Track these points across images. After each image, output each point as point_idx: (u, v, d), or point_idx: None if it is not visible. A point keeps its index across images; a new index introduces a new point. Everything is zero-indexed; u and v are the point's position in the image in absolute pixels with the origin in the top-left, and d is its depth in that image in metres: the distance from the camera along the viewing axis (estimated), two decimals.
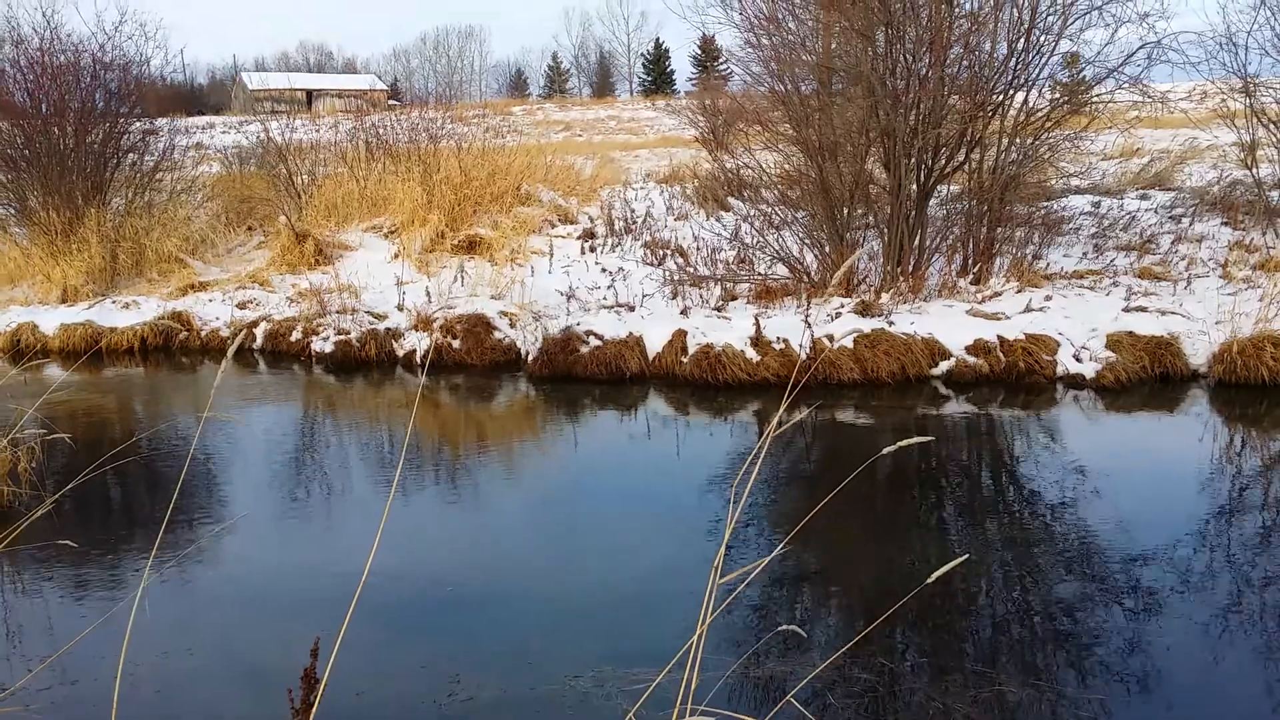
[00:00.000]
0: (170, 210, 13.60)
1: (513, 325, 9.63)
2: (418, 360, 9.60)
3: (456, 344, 9.55)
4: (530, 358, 9.13)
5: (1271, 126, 11.39)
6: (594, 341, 8.97)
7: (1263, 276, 9.75)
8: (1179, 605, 4.54)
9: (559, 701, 3.85)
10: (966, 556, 2.05)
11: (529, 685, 3.99)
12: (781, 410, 2.27)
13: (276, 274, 12.11)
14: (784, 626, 2.52)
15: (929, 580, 2.07)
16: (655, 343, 8.92)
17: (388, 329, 9.92)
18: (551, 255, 11.78)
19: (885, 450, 2.26)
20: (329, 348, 9.90)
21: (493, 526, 5.96)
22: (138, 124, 13.69)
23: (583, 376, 8.83)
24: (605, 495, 6.46)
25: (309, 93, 56.49)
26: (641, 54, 68.90)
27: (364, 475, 6.94)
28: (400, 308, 10.21)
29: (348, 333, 9.92)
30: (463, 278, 10.76)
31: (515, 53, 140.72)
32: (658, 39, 65.60)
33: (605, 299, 10.19)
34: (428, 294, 10.26)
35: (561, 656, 4.20)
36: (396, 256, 12.13)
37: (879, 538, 5.55)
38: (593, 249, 12.51)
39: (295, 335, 10.25)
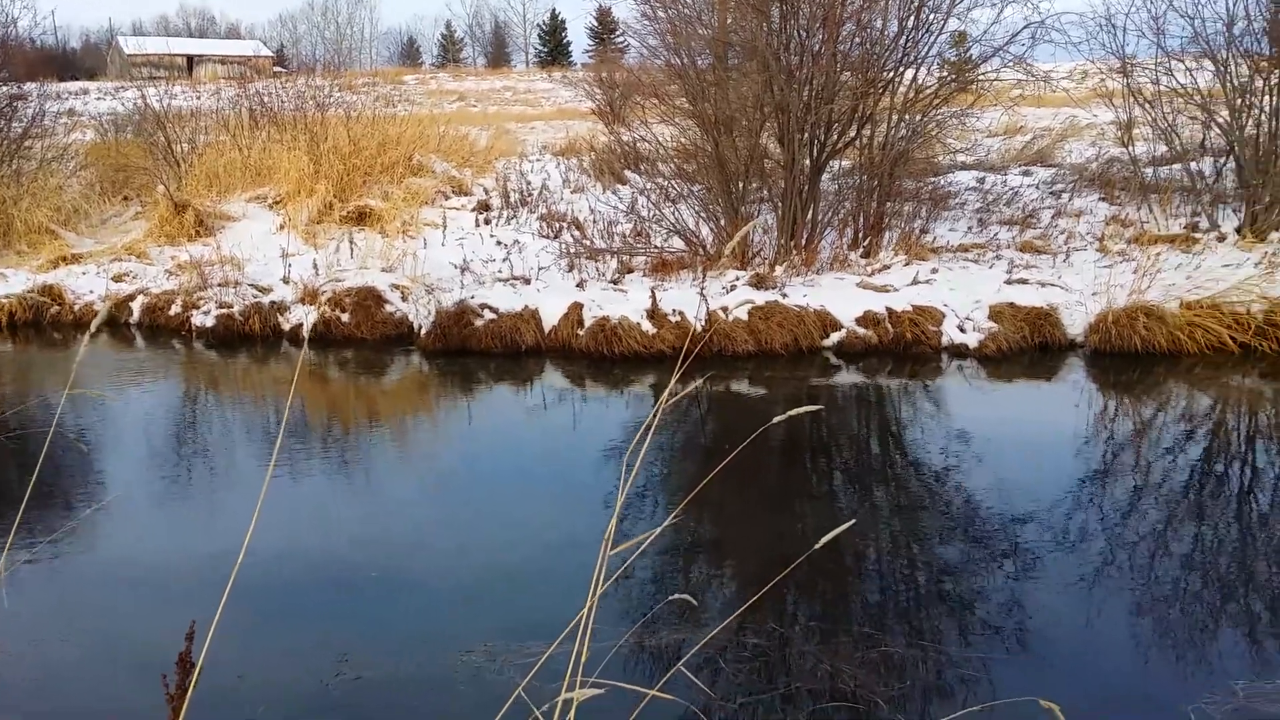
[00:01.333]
0: (40, 179, 12.89)
1: (405, 298, 9.43)
2: (304, 334, 9.33)
3: (345, 318, 9.31)
4: (423, 331, 8.96)
5: (1147, 106, 11.83)
6: (489, 315, 8.85)
7: (1136, 250, 10.15)
8: (1055, 565, 4.71)
9: (451, 678, 3.79)
10: (851, 523, 2.06)
11: (420, 663, 3.92)
12: (673, 382, 2.24)
13: (154, 246, 11.61)
14: (676, 595, 2.51)
15: (815, 547, 2.07)
16: (551, 316, 8.85)
17: (273, 302, 9.61)
18: (445, 227, 11.57)
19: (775, 419, 2.25)
20: (210, 322, 9.54)
21: (384, 504, 5.83)
22: (3, 89, 12.94)
23: (477, 350, 8.70)
24: (500, 470, 6.38)
25: (190, 58, 54.24)
26: (537, 24, 68.07)
27: (246, 454, 6.72)
28: (286, 280, 9.90)
29: (230, 306, 9.58)
30: (352, 250, 10.49)
31: (407, 20, 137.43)
32: (554, 10, 65.07)
33: (501, 272, 10.05)
34: (315, 266, 9.96)
35: (455, 633, 4.14)
36: (282, 228, 11.75)
37: (772, 506, 5.62)
38: (488, 221, 12.33)
39: (174, 309, 9.85)
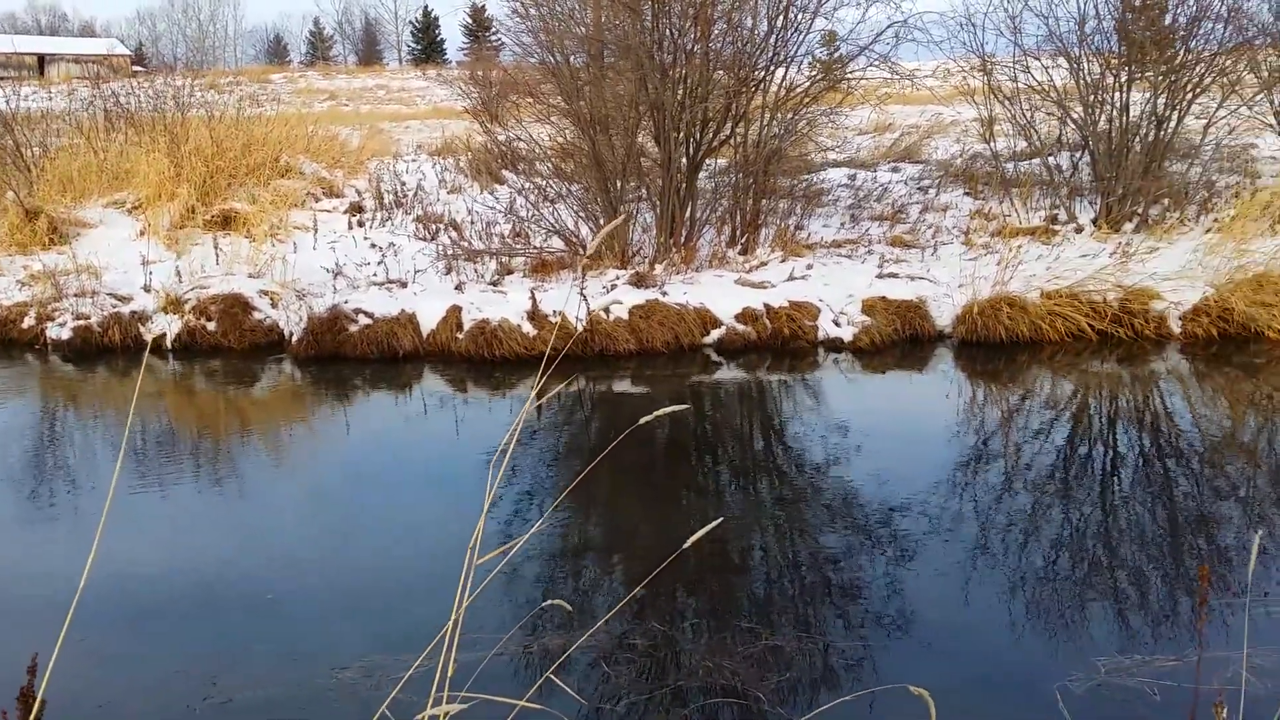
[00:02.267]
0: None
1: (274, 305, 9.12)
2: (168, 345, 8.93)
3: (211, 326, 8.95)
4: (294, 339, 8.68)
5: (1006, 103, 12.28)
6: (363, 320, 8.63)
7: (999, 243, 10.53)
8: (932, 550, 4.83)
9: (324, 696, 3.66)
10: (719, 521, 2.04)
11: (292, 682, 3.78)
12: (536, 387, 2.19)
13: (5, 255, 10.95)
14: (551, 602, 2.46)
15: (683, 547, 2.06)
16: (429, 320, 8.67)
17: (133, 312, 9.17)
18: (316, 230, 11.23)
19: (641, 421, 2.24)
20: (66, 334, 9.05)
21: (255, 518, 5.62)
22: None
23: (352, 357, 8.47)
24: (376, 478, 6.22)
25: (40, 57, 51.55)
26: (410, 21, 66.74)
27: (107, 472, 6.38)
28: (147, 289, 9.46)
29: (88, 317, 9.10)
30: (218, 255, 10.09)
31: (273, 17, 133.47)
32: (426, 6, 63.73)
33: (375, 275, 9.81)
34: (178, 273, 9.54)
35: (328, 649, 3.99)
36: (142, 234, 11.23)
37: (654, 505, 5.62)
38: (361, 223, 12.02)
39: (27, 322, 9.31)
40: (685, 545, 2.11)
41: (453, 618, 1.84)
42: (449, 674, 1.86)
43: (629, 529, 5.31)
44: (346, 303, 8.78)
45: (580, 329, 8.40)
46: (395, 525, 5.34)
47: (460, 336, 8.51)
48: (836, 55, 11.67)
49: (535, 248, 10.32)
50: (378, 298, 8.96)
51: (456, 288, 9.36)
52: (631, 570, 4.74)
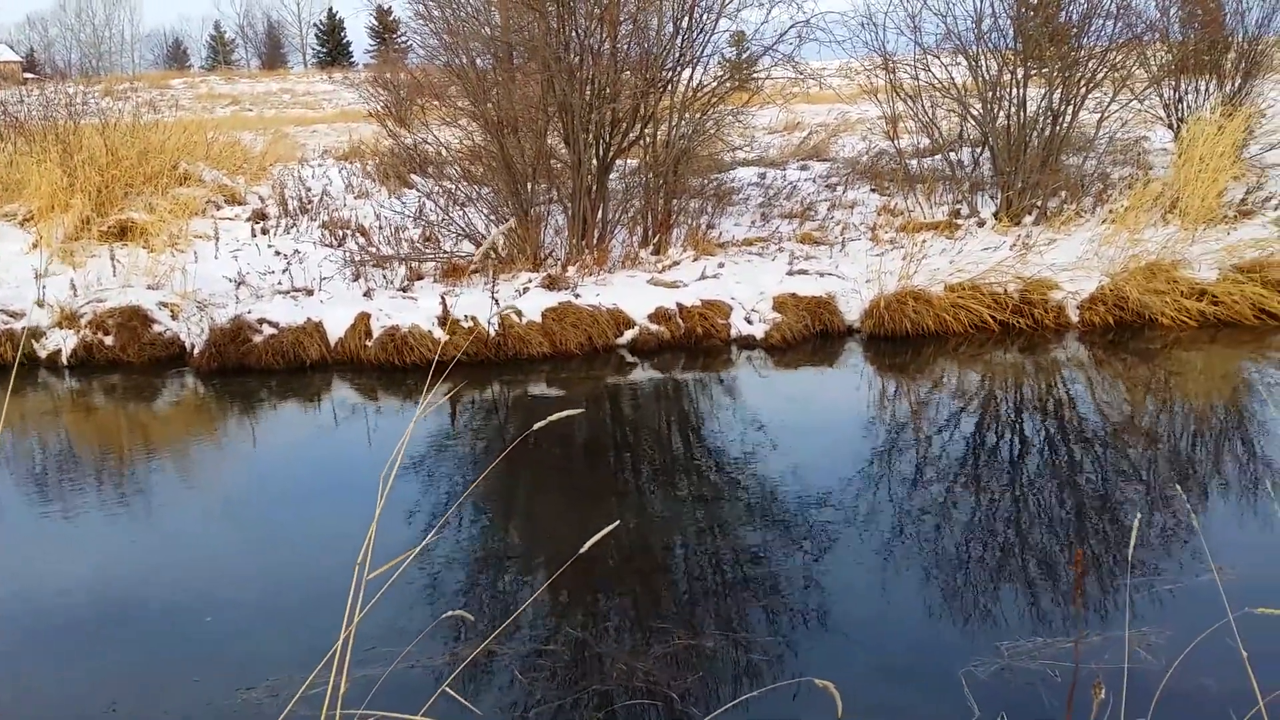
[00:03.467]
0: None
1: (175, 317, 8.86)
2: (64, 361, 8.61)
3: (109, 341, 8.66)
4: (196, 351, 8.44)
5: (908, 100, 12.53)
6: (268, 330, 8.43)
7: (905, 238, 10.74)
8: (847, 542, 4.91)
9: (228, 717, 3.56)
10: (616, 524, 2.04)
11: (196, 703, 3.66)
12: (424, 399, 2.15)
13: None
14: (451, 612, 2.43)
15: (579, 553, 2.05)
16: (337, 328, 8.51)
17: (26, 328, 8.82)
18: (217, 239, 10.94)
19: (535, 427, 2.22)
20: None
21: (157, 536, 5.44)
22: None
23: (258, 368, 8.27)
24: (281, 492, 6.08)
25: None
26: (314, 24, 65.32)
27: (3, 491, 6.12)
28: (40, 303, 9.10)
29: None
30: (115, 267, 9.77)
31: (172, 21, 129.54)
32: (331, 8, 62.41)
33: (280, 284, 9.59)
34: (73, 287, 9.21)
35: (235, 669, 3.88)
36: (35, 246, 10.81)
37: (565, 508, 5.60)
38: (265, 231, 11.75)
39: None
40: (580, 551, 2.11)
41: (342, 635, 1.79)
42: (342, 691, 1.82)
43: (540, 534, 5.27)
44: (250, 313, 8.57)
45: (493, 333, 8.33)
46: (302, 539, 5.22)
47: (369, 344, 8.37)
48: (744, 56, 11.79)
49: (446, 252, 10.20)
50: (283, 307, 8.76)
51: (365, 294, 9.20)
52: (539, 576, 4.71)
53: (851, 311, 9.05)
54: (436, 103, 11.44)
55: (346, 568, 4.79)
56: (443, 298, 8.58)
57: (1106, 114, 11.94)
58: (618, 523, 2.12)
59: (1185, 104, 13.54)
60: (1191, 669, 3.21)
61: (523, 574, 4.75)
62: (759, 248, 10.93)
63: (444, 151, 10.95)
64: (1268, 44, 14.08)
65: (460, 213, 10.40)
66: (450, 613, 2.40)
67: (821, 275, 9.64)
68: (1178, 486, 5.49)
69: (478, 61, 10.29)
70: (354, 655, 2.83)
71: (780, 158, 16.49)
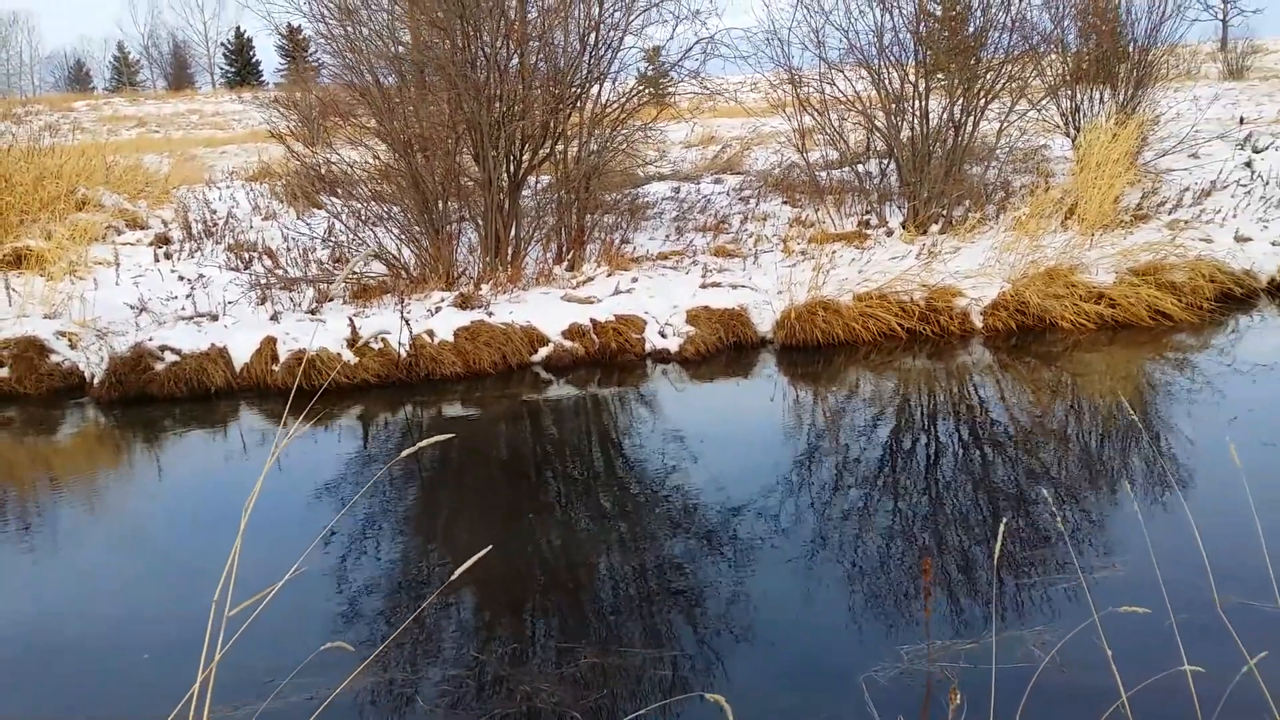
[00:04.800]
0: None
1: (73, 346, 8.57)
2: None
3: (4, 373, 8.34)
4: (96, 381, 8.17)
5: (816, 114, 12.73)
6: (170, 357, 8.20)
7: (815, 248, 10.89)
8: (773, 549, 4.96)
9: None
10: (488, 549, 2.01)
11: None
12: (298, 422, 2.10)
13: None
14: (329, 644, 2.37)
15: (452, 578, 2.02)
16: (242, 353, 8.32)
17: None
18: (118, 265, 10.64)
19: (404, 454, 2.19)
20: None
21: (44, 572, 5.24)
22: None
23: (160, 397, 8.04)
24: (170, 525, 5.91)
25: None
26: (222, 43, 63.92)
27: None
28: None
29: None
30: (10, 296, 9.43)
31: (73, 42, 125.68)
32: (239, 27, 61.08)
33: (184, 309, 9.36)
34: None
35: (92, 712, 3.75)
36: None
37: (479, 529, 5.54)
38: (168, 255, 11.45)
39: None
40: (454, 576, 2.07)
41: (200, 676, 1.74)
42: None
43: (450, 556, 5.20)
44: (151, 340, 8.33)
45: (404, 354, 8.22)
46: (191, 572, 5.07)
47: (276, 369, 8.20)
48: (651, 71, 11.87)
49: (355, 273, 10.05)
50: (186, 333, 8.54)
51: (272, 318, 9.02)
52: (433, 601, 4.64)
53: (764, 323, 9.13)
54: (348, 121, 11.29)
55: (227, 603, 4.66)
56: (351, 320, 8.45)
57: (1006, 124, 12.27)
58: (489, 548, 2.10)
59: (1081, 113, 13.99)
60: (1059, 668, 3.30)
61: (420, 599, 4.68)
62: (673, 261, 10.98)
63: (353, 171, 10.80)
64: (1157, 54, 14.64)
65: (371, 232, 10.26)
66: (329, 645, 2.34)
67: (734, 287, 9.72)
68: (1054, 489, 5.63)
69: (382, 80, 10.18)
70: (224, 694, 2.76)
71: (694, 172, 16.62)
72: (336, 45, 10.13)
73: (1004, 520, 2.60)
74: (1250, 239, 10.50)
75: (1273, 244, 10.36)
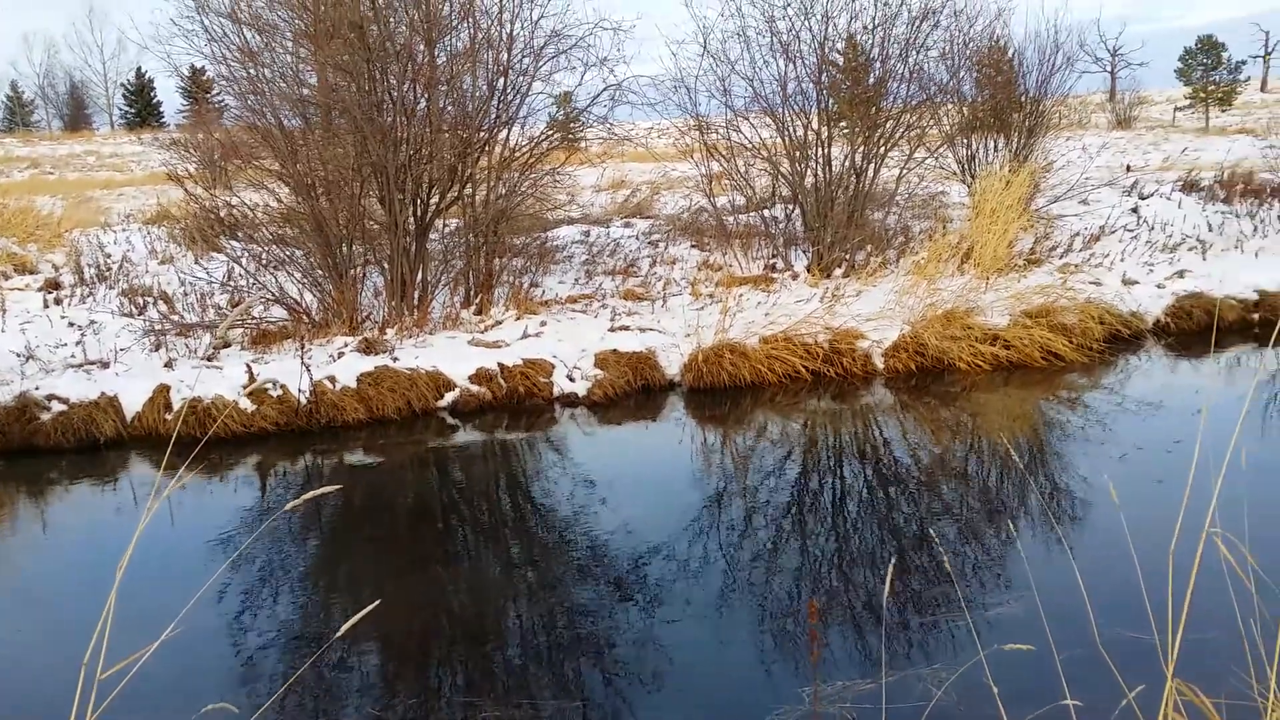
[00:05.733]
0: None
1: None
2: None
3: None
4: None
5: (723, 160, 12.95)
6: (58, 407, 7.88)
7: (722, 292, 11.01)
8: (681, 593, 4.94)
9: None
10: (377, 603, 1.96)
11: None
12: (184, 471, 2.03)
13: None
14: (211, 706, 2.27)
15: (338, 635, 1.96)
16: (134, 401, 8.04)
17: None
18: (4, 311, 10.21)
19: (288, 506, 2.12)
20: None
21: None
22: None
23: (46, 448, 7.70)
24: (62, 582, 5.65)
25: None
26: (122, 84, 62.28)
27: None
28: None
29: None
30: None
31: None
32: (139, 68, 59.63)
33: (73, 357, 9.01)
34: None
35: None
36: None
37: (381, 580, 5.40)
38: (58, 301, 11.05)
39: None
40: (339, 633, 2.01)
41: None
42: None
43: (350, 608, 5.06)
44: (38, 389, 8.00)
45: (304, 401, 8.04)
46: (71, 632, 4.83)
47: (170, 418, 7.94)
48: (560, 116, 11.95)
49: (255, 318, 9.82)
50: (74, 381, 8.22)
51: (166, 365, 8.73)
52: (324, 656, 4.51)
53: (672, 365, 9.17)
54: (251, 163, 11.09)
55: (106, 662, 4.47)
56: (249, 366, 8.24)
57: (905, 171, 12.64)
58: (378, 602, 2.04)
59: (977, 160, 14.48)
60: (949, 706, 3.33)
61: (313, 655, 4.54)
62: (582, 305, 10.99)
63: (254, 214, 10.59)
64: (1049, 104, 15.28)
65: (271, 277, 10.06)
66: (211, 706, 2.25)
67: (643, 330, 9.76)
68: (946, 528, 5.75)
69: (286, 122, 10.04)
70: None
71: (604, 215, 16.72)
72: (239, 87, 9.97)
73: (892, 560, 2.61)
74: (1137, 282, 10.95)
75: (1158, 287, 10.82)
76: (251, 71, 9.93)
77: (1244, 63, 42.97)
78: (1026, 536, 5.49)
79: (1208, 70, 41.51)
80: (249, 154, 10.67)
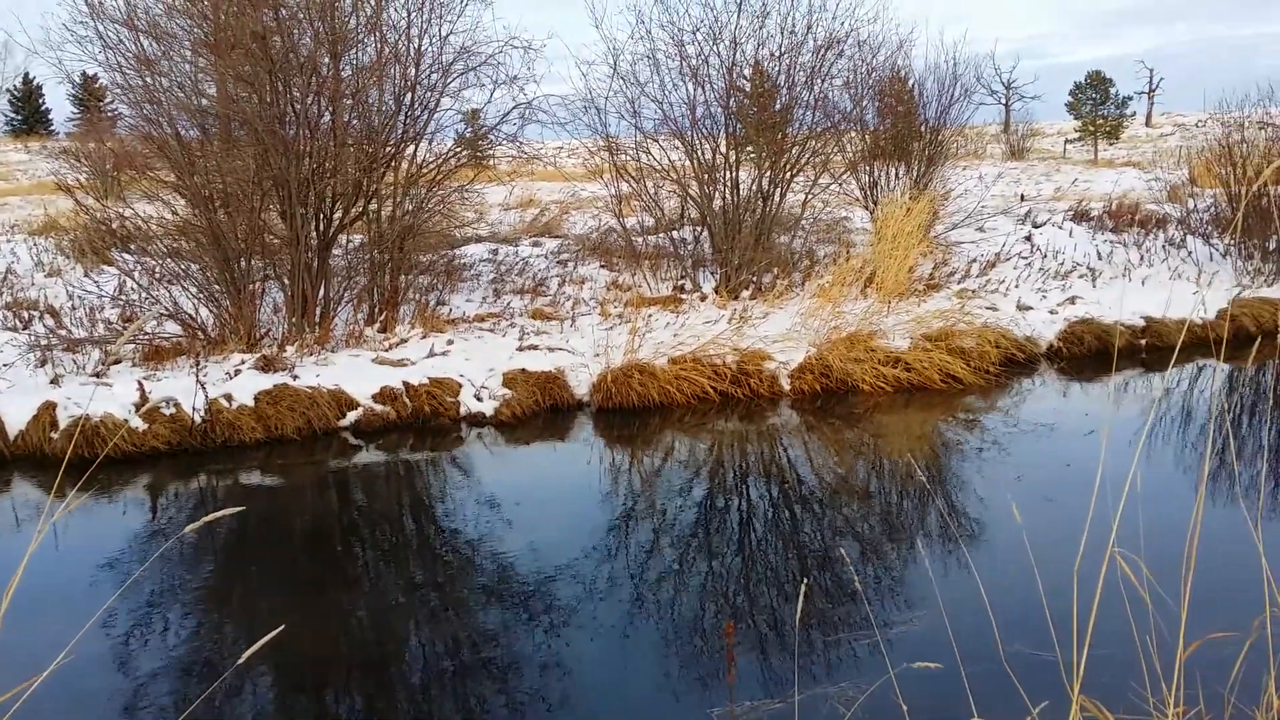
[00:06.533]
0: None
1: None
2: None
3: None
4: None
5: (632, 181, 12.99)
6: None
7: (631, 312, 11.03)
8: (588, 615, 4.89)
9: None
10: (280, 629, 1.88)
11: None
12: (74, 493, 1.92)
13: None
14: None
15: (239, 661, 1.87)
16: (16, 420, 7.66)
17: None
18: None
19: (188, 529, 2.03)
20: None
21: None
22: None
23: None
24: None
25: None
26: (8, 90, 59.74)
27: None
28: None
29: None
30: None
31: None
32: (27, 74, 57.28)
33: None
34: None
35: None
36: None
37: (281, 606, 5.23)
38: None
39: None
40: (241, 659, 1.93)
41: None
42: None
43: (246, 635, 4.88)
44: None
45: (199, 420, 7.77)
46: None
47: (56, 436, 7.58)
48: (469, 133, 11.86)
49: (148, 334, 9.47)
50: None
51: (52, 381, 8.35)
52: (234, 684, 4.34)
53: (581, 385, 9.13)
54: (146, 173, 10.72)
55: None
56: (140, 383, 7.93)
57: (810, 196, 12.87)
58: (281, 628, 1.96)
59: (879, 187, 14.84)
60: None
61: (209, 684, 4.36)
62: (490, 324, 10.89)
63: (148, 226, 10.22)
64: (948, 134, 15.76)
65: (165, 291, 9.71)
66: None
67: (552, 350, 9.71)
68: (854, 548, 5.83)
69: (184, 132, 9.73)
70: None
71: (513, 234, 16.63)
72: (135, 95, 9.62)
73: (806, 580, 2.62)
74: (1031, 307, 11.32)
75: (1050, 312, 11.20)
76: (148, 80, 9.61)
77: (1130, 98, 45.05)
78: (932, 555, 5.60)
79: (1096, 105, 43.39)
80: (143, 164, 10.32)
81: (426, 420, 8.59)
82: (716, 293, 11.96)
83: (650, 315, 10.75)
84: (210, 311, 9.67)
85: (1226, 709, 2.41)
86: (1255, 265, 12.98)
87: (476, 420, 8.62)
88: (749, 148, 12.66)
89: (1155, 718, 2.31)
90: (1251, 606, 2.22)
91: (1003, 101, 47.87)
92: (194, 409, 7.77)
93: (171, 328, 9.56)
